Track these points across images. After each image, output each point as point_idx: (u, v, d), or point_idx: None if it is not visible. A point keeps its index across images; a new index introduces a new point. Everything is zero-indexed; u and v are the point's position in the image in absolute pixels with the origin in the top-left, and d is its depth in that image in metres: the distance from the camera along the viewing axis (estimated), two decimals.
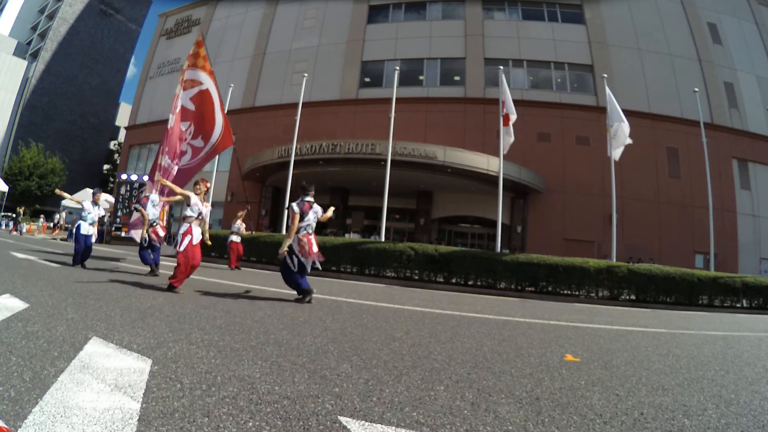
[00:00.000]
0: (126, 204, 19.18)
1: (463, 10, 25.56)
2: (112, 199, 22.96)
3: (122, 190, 20.13)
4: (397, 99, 14.30)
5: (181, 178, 9.19)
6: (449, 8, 26.08)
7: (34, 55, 51.50)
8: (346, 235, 19.75)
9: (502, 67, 13.51)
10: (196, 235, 5.36)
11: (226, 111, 10.21)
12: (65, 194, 8.15)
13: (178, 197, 6.89)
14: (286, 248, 5.08)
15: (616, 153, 12.12)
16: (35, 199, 38.72)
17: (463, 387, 2.23)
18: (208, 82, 9.40)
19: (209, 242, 5.92)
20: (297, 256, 5.03)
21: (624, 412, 2.03)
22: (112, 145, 57.67)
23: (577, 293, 9.82)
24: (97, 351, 2.28)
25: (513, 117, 11.90)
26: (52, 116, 51.20)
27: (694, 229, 20.50)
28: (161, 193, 8.46)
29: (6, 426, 0.78)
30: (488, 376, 2.49)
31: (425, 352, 3.00)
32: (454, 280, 10.30)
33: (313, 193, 5.27)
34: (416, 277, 10.51)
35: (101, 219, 8.39)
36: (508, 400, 2.06)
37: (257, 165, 21.06)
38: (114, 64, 59.50)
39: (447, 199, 22.56)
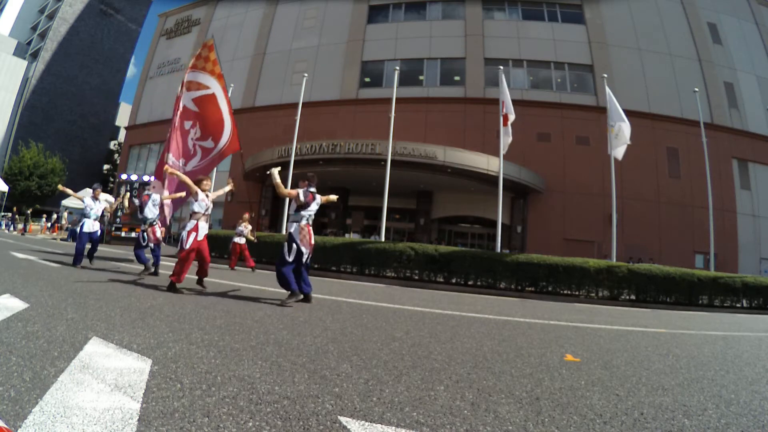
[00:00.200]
0: (123, 205, 19.17)
1: (463, 10, 25.57)
2: (111, 198, 22.96)
3: (122, 190, 20.12)
4: (397, 99, 14.30)
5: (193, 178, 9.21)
6: (449, 8, 26.08)
7: (34, 55, 51.50)
8: (346, 235, 19.75)
9: (502, 67, 13.51)
10: (201, 232, 5.40)
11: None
12: (68, 190, 8.11)
13: (178, 194, 6.84)
14: (276, 173, 5.03)
15: (619, 152, 12.13)
16: (35, 199, 38.72)
17: (463, 387, 2.23)
18: (215, 87, 9.38)
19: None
20: (297, 243, 4.80)
21: (624, 412, 2.03)
22: (112, 145, 57.68)
23: (577, 293, 9.82)
24: (97, 351, 2.28)
25: (511, 117, 11.92)
26: (52, 116, 51.20)
27: (694, 229, 20.51)
28: (170, 186, 8.51)
29: (6, 426, 0.78)
30: (488, 376, 2.49)
31: (425, 352, 3.00)
32: (454, 280, 10.30)
33: (315, 184, 5.16)
34: (416, 277, 10.51)
35: (102, 217, 8.32)
36: (508, 400, 2.06)
37: (257, 165, 21.06)
38: (114, 64, 59.50)
39: (447, 199, 22.57)
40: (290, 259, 4.78)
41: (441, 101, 23.64)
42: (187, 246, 5.26)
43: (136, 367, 2.06)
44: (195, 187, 5.45)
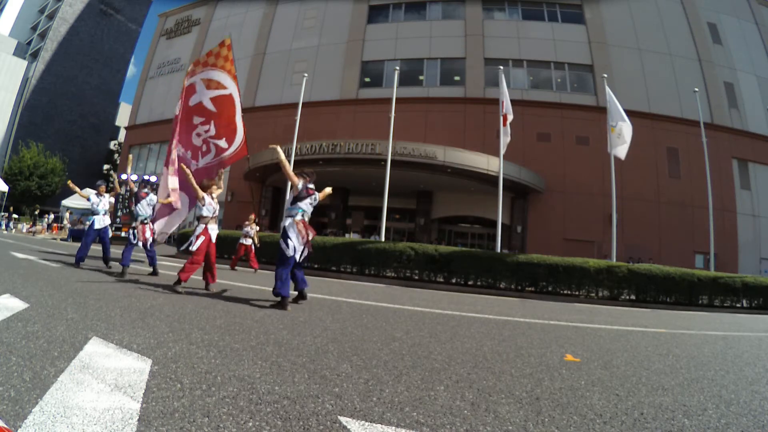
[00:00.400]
0: (126, 204, 19.16)
1: (463, 10, 25.57)
2: (111, 199, 22.87)
3: (122, 190, 20.10)
4: (397, 99, 14.30)
5: (206, 175, 9.13)
6: (449, 8, 26.09)
7: (34, 55, 51.49)
8: (346, 235, 19.75)
9: (502, 67, 13.51)
10: (213, 235, 5.48)
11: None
12: (76, 188, 8.09)
13: (170, 199, 6.68)
14: (280, 149, 4.93)
15: (621, 151, 12.15)
16: (35, 199, 38.73)
17: (463, 387, 2.23)
18: (232, 88, 9.34)
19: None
20: (291, 238, 4.62)
21: (624, 412, 2.03)
22: (112, 145, 57.68)
23: (577, 293, 9.82)
24: (97, 351, 2.28)
25: (510, 117, 11.94)
26: (52, 116, 51.19)
27: (694, 229, 20.51)
28: (178, 174, 8.52)
29: (6, 426, 0.78)
30: (488, 376, 2.49)
31: (425, 352, 3.00)
32: (454, 280, 10.30)
33: (313, 181, 4.96)
34: (416, 277, 10.51)
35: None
36: (508, 400, 2.06)
37: (257, 165, 21.06)
38: (114, 64, 59.49)
39: (447, 199, 22.57)
40: (290, 254, 4.58)
41: (441, 101, 23.64)
42: (194, 247, 5.31)
43: (136, 367, 2.06)
44: (202, 193, 5.47)
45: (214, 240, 5.49)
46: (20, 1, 53.50)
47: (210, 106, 9.08)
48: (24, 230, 25.50)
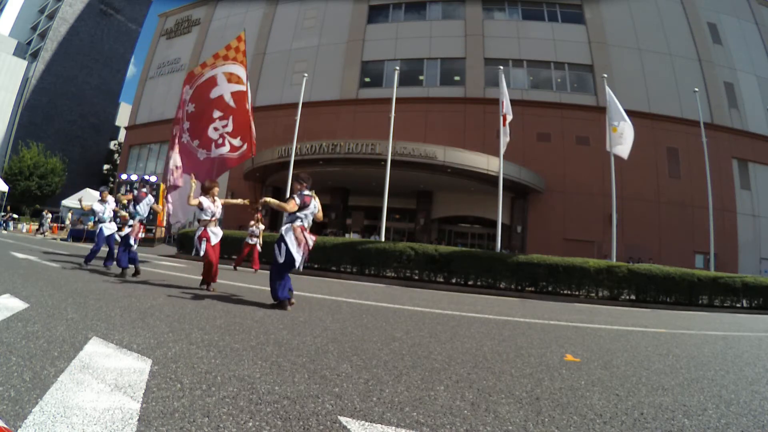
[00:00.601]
0: (126, 204, 19.17)
1: (463, 10, 25.58)
2: (112, 199, 22.85)
3: (122, 191, 20.11)
4: (397, 99, 14.30)
5: (219, 167, 9.09)
6: (449, 8, 26.09)
7: (34, 55, 51.50)
8: (346, 235, 19.75)
9: (502, 67, 13.50)
10: (213, 238, 5.51)
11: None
12: (85, 206, 8.16)
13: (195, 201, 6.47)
14: (267, 200, 4.82)
15: (624, 151, 12.16)
16: (35, 199, 38.73)
17: (463, 387, 2.23)
18: (246, 83, 9.36)
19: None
20: (286, 244, 4.54)
21: (624, 412, 2.03)
22: (112, 145, 57.70)
23: (577, 293, 9.82)
24: (97, 351, 2.28)
25: (509, 117, 11.94)
26: (52, 116, 51.20)
27: (694, 229, 20.51)
28: (182, 152, 8.54)
29: (6, 426, 0.78)
30: (488, 376, 2.49)
31: (425, 352, 3.00)
32: (454, 280, 10.30)
33: (309, 186, 4.85)
34: (416, 277, 10.51)
35: (115, 218, 8.24)
36: (508, 400, 2.06)
37: (257, 165, 21.07)
38: (114, 64, 59.50)
39: (447, 199, 22.57)
40: (280, 260, 4.49)
41: (441, 101, 23.64)
42: (201, 252, 5.42)
43: (136, 367, 2.06)
44: (194, 200, 5.44)
45: (214, 242, 5.52)
46: (20, 1, 53.50)
47: (230, 101, 9.08)
48: (24, 230, 25.46)
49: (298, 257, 4.51)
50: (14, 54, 49.17)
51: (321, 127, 23.19)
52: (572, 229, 21.17)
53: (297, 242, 4.53)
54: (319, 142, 18.98)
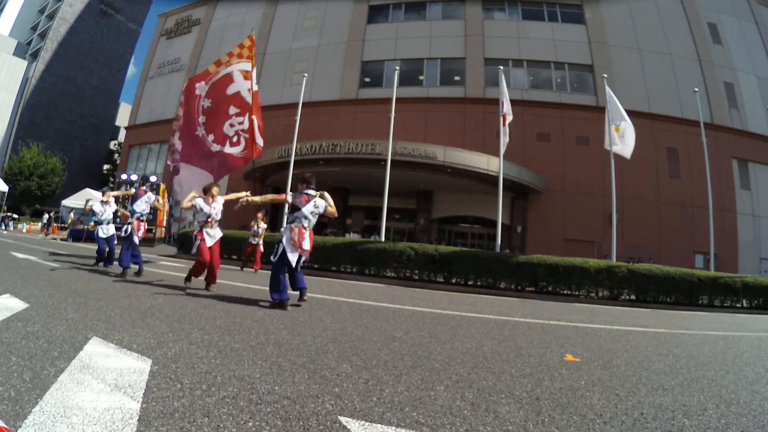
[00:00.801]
0: (126, 204, 19.17)
1: (463, 10, 25.57)
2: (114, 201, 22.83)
3: (120, 198, 20.10)
4: (397, 99, 14.29)
5: (230, 164, 9.08)
6: (449, 8, 26.09)
7: (34, 55, 51.50)
8: (346, 235, 19.75)
9: (502, 67, 13.50)
10: (209, 239, 5.52)
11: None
12: (87, 207, 8.21)
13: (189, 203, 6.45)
14: (243, 196, 5.13)
15: (627, 151, 12.17)
16: (35, 199, 38.73)
17: (463, 387, 2.23)
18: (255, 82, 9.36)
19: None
20: (282, 244, 4.64)
21: (624, 412, 2.03)
22: (112, 145, 57.71)
23: (577, 293, 9.81)
24: (97, 351, 2.28)
25: (509, 117, 11.94)
26: (52, 116, 51.21)
27: (694, 229, 20.51)
28: (183, 136, 8.56)
29: (6, 426, 0.78)
30: (488, 376, 2.49)
31: (425, 352, 3.00)
32: (454, 280, 10.30)
33: (314, 186, 4.93)
34: (416, 277, 10.50)
35: (116, 219, 8.27)
36: (508, 400, 2.06)
37: (257, 165, 21.07)
38: (114, 64, 59.51)
39: (447, 199, 22.57)
40: (273, 259, 4.63)
41: (441, 101, 23.64)
42: (194, 251, 5.47)
43: (136, 367, 2.06)
44: (186, 203, 5.55)
45: (210, 243, 5.51)
46: (20, 1, 53.51)
47: (248, 97, 9.07)
48: (24, 230, 25.44)
49: (292, 257, 4.59)
50: (14, 54, 49.18)
51: (321, 127, 23.19)
52: (572, 229, 21.17)
53: (292, 243, 4.61)
54: (319, 142, 18.98)
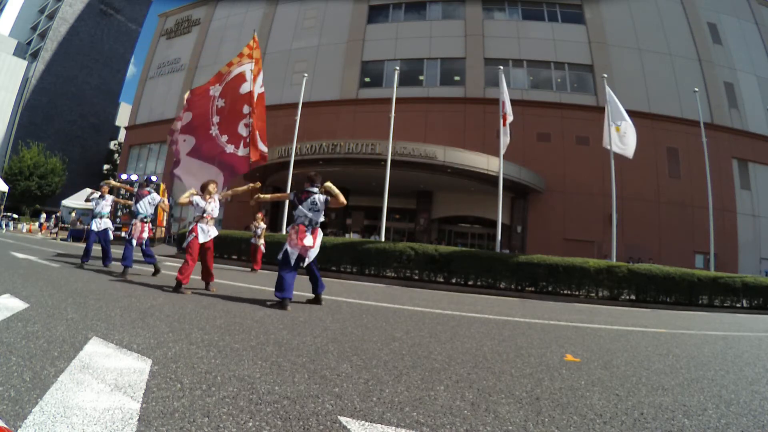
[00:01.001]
0: (121, 194, 19.14)
1: (463, 10, 25.57)
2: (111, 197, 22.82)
3: (122, 191, 20.09)
4: (397, 99, 14.30)
5: (238, 167, 9.06)
6: (449, 8, 26.09)
7: (34, 55, 51.52)
8: (346, 235, 19.76)
9: (502, 67, 13.51)
10: (202, 235, 5.46)
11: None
12: (89, 197, 8.24)
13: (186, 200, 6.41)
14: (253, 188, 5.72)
15: (629, 151, 12.18)
16: (35, 199, 38.74)
17: (463, 387, 2.22)
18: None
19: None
20: (286, 243, 4.81)
21: (624, 412, 2.03)
22: (112, 145, 57.72)
23: (577, 293, 9.82)
24: (97, 351, 2.28)
25: (510, 118, 11.94)
26: (52, 116, 51.22)
27: (694, 229, 20.51)
28: (176, 166, 8.56)
29: (6, 426, 0.78)
30: (488, 376, 2.49)
31: (425, 352, 3.00)
32: (454, 280, 10.30)
33: (318, 185, 5.02)
34: (416, 277, 10.51)
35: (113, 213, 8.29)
36: (508, 400, 2.06)
37: (257, 165, 21.04)
38: (114, 64, 59.54)
39: (447, 199, 22.57)
40: (279, 258, 4.79)
41: (441, 101, 23.64)
42: (184, 245, 5.43)
43: (136, 367, 2.06)
44: (184, 199, 5.52)
45: (203, 240, 5.41)
46: (20, 1, 53.52)
47: (260, 95, 9.07)
48: (24, 230, 25.44)
49: (292, 255, 4.71)
50: (14, 54, 49.20)
51: (321, 127, 23.18)
52: (572, 229, 21.16)
53: (291, 241, 4.75)
54: (319, 142, 18.98)
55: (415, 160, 17.76)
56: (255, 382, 2.01)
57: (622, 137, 12.14)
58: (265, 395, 1.84)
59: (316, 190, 4.96)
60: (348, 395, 1.94)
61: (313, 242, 4.79)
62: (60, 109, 52.30)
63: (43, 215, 27.74)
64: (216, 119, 8.83)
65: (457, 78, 24.37)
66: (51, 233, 24.17)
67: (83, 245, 8.25)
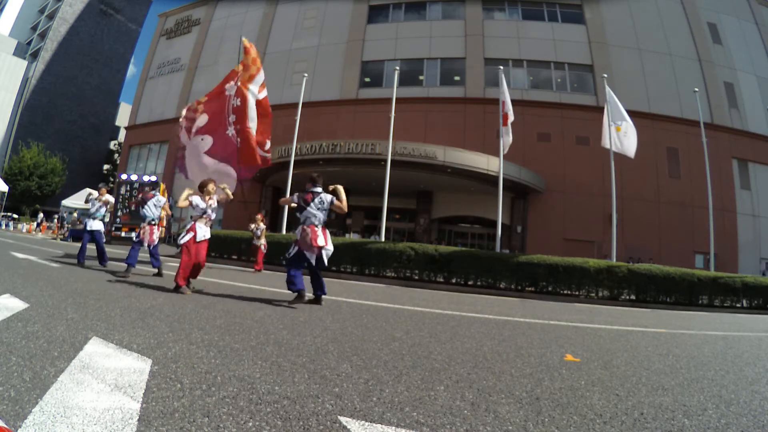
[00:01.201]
0: (126, 204, 19.16)
1: (463, 10, 25.58)
2: (111, 199, 22.85)
3: (122, 191, 20.10)
4: (397, 99, 14.30)
5: (246, 175, 9.10)
6: (449, 8, 26.09)
7: (34, 55, 51.52)
8: (346, 235, 19.75)
9: (502, 67, 13.52)
10: (200, 233, 5.43)
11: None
12: (89, 196, 8.31)
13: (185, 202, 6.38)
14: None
15: (630, 150, 12.19)
16: (35, 199, 38.74)
17: (463, 387, 2.22)
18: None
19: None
20: (296, 245, 4.96)
21: (624, 412, 2.03)
22: (112, 145, 57.73)
23: (577, 293, 9.82)
24: (97, 351, 2.28)
25: (511, 117, 11.94)
26: (52, 116, 51.22)
27: (694, 229, 20.51)
28: (180, 168, 8.58)
29: (6, 426, 0.78)
30: (488, 376, 2.49)
31: (425, 352, 3.00)
32: (454, 280, 10.30)
33: (320, 186, 5.16)
34: (416, 277, 10.51)
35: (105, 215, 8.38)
36: (508, 400, 2.06)
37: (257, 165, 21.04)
38: (114, 64, 59.55)
39: (447, 199, 22.57)
40: (288, 256, 4.96)
41: (441, 101, 23.64)
42: (180, 242, 5.39)
43: (136, 367, 2.06)
44: (183, 202, 5.53)
45: (199, 239, 5.40)
46: (20, 1, 53.52)
47: (265, 102, 9.14)
48: (24, 230, 25.44)
49: (311, 257, 4.88)
50: (14, 54, 49.21)
51: (321, 127, 23.18)
52: (572, 229, 21.16)
53: (305, 244, 4.87)
54: (319, 142, 18.98)
55: (415, 160, 17.76)
56: (255, 382, 2.01)
57: (623, 137, 12.14)
58: (265, 395, 1.84)
59: (320, 189, 5.11)
60: (348, 395, 1.94)
61: (325, 241, 4.95)
62: (60, 109, 52.31)
63: (41, 215, 27.73)
64: (232, 118, 8.85)
65: (457, 78, 24.38)
66: (54, 232, 24.17)
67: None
